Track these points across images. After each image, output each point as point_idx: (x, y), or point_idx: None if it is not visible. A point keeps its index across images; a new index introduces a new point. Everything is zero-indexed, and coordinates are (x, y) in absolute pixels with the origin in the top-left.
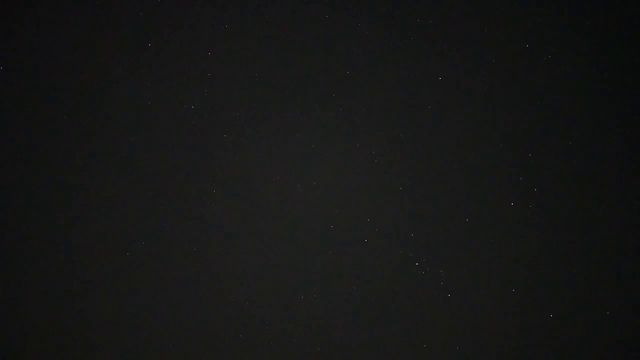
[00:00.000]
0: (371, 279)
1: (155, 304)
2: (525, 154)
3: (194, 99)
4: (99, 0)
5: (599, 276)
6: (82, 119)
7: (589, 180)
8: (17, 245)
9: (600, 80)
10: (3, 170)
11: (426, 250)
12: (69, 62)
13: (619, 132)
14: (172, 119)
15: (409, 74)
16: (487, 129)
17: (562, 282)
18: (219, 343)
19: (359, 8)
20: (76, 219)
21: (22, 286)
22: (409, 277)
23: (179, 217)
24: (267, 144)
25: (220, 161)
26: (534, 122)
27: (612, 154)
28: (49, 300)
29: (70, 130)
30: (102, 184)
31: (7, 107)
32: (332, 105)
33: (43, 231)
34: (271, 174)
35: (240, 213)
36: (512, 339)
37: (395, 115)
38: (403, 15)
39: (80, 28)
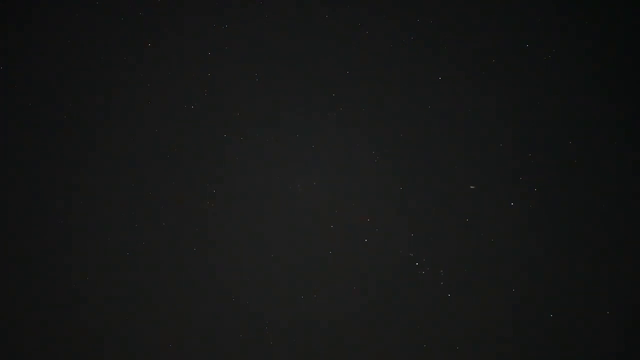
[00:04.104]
0: (371, 279)
1: (154, 303)
2: (525, 154)
3: (194, 99)
4: (99, 0)
5: (599, 276)
6: (82, 118)
7: (589, 180)
8: (17, 245)
9: (601, 80)
10: (3, 170)
11: (426, 250)
12: (69, 62)
13: (619, 132)
14: (172, 119)
15: (409, 74)
16: (487, 129)
17: (562, 282)
18: (218, 343)
19: (359, 8)
20: (76, 219)
21: (22, 286)
22: (409, 277)
23: (178, 217)
24: (267, 143)
25: (220, 161)
26: (534, 122)
27: (612, 154)
28: (49, 301)
29: (70, 130)
30: (102, 184)
31: (7, 107)
32: (332, 105)
33: (43, 231)
34: (271, 174)
35: (240, 213)
36: (512, 339)
37: (395, 115)
38: (403, 15)
39: (80, 28)
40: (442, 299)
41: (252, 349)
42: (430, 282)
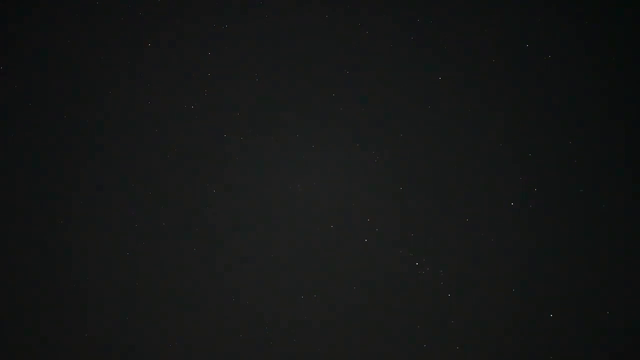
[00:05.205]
0: (371, 279)
1: (154, 303)
2: (525, 154)
3: (194, 99)
4: (99, 0)
5: (599, 276)
6: (82, 119)
7: (589, 180)
8: (17, 245)
9: (600, 80)
10: (3, 170)
11: (426, 250)
12: (69, 62)
13: (619, 132)
14: (172, 119)
15: (409, 74)
16: (487, 129)
17: (562, 282)
18: (218, 343)
19: (359, 8)
20: (76, 219)
21: (22, 286)
22: (409, 277)
23: (178, 217)
24: (267, 143)
25: (220, 161)
26: (534, 122)
27: (612, 154)
28: (49, 301)
29: (70, 130)
30: (103, 184)
31: (7, 107)
32: (332, 105)
33: (43, 231)
34: (271, 174)
35: (240, 213)
36: (512, 339)
37: (395, 115)
38: (403, 15)
39: (80, 28)
40: (442, 299)
41: (252, 349)
42: (430, 282)
